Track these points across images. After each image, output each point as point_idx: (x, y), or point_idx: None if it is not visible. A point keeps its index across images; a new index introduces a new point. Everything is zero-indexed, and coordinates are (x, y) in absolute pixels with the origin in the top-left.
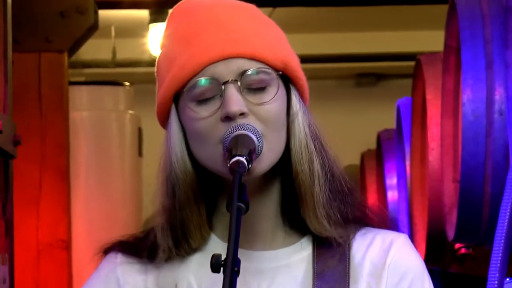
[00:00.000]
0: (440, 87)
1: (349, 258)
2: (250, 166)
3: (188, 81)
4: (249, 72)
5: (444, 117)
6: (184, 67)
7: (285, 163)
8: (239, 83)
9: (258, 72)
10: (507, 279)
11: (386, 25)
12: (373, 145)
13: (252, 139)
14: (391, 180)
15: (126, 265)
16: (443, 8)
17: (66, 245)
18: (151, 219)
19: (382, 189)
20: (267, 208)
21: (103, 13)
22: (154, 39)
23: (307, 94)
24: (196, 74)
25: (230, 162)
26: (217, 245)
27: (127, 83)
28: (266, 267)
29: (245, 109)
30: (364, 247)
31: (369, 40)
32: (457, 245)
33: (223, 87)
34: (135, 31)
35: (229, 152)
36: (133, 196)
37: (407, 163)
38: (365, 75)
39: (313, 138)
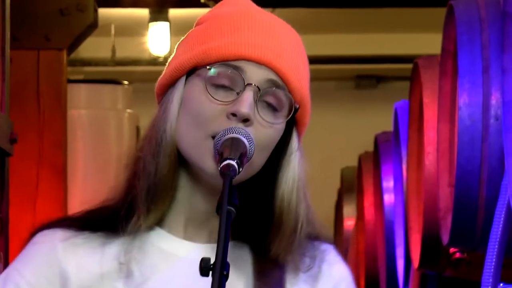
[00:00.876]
0: (437, 90)
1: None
2: (241, 169)
3: (215, 62)
4: (273, 88)
5: (441, 121)
6: (219, 48)
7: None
8: (259, 93)
9: (280, 92)
10: (501, 284)
11: (386, 27)
12: (371, 147)
13: (243, 142)
14: (388, 183)
15: (71, 239)
16: (443, 11)
17: None
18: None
19: (378, 192)
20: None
21: (103, 11)
22: (154, 38)
23: (301, 139)
24: (228, 60)
25: (221, 166)
26: (161, 236)
27: (125, 82)
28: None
29: (252, 117)
30: (299, 254)
31: (370, 42)
32: (452, 250)
33: (245, 86)
34: (135, 29)
35: (220, 155)
36: None
37: (404, 166)
38: (365, 77)
39: (302, 181)
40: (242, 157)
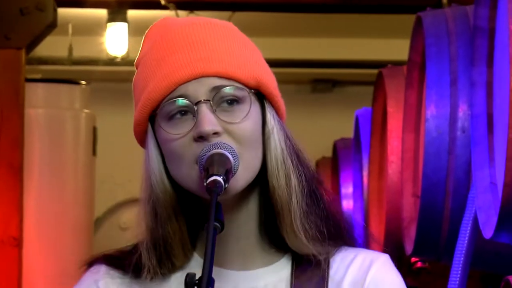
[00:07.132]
0: (401, 100)
1: (327, 279)
2: (226, 185)
3: (161, 101)
4: (221, 90)
5: (406, 131)
6: (157, 88)
7: (263, 180)
8: (211, 102)
9: (230, 90)
10: None
11: (343, 32)
12: (328, 152)
13: (228, 158)
14: (347, 189)
15: (109, 278)
16: (403, 18)
17: (17, 242)
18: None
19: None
20: (245, 226)
21: (62, 11)
22: (112, 39)
23: (283, 110)
24: (169, 94)
25: (207, 182)
26: (198, 264)
27: (83, 82)
28: (244, 287)
29: (218, 128)
30: (344, 267)
31: (326, 46)
32: (413, 259)
33: (195, 107)
34: (93, 29)
35: (206, 171)
36: (86, 195)
37: (365, 173)
38: (321, 81)
39: (290, 153)
40: (228, 173)
